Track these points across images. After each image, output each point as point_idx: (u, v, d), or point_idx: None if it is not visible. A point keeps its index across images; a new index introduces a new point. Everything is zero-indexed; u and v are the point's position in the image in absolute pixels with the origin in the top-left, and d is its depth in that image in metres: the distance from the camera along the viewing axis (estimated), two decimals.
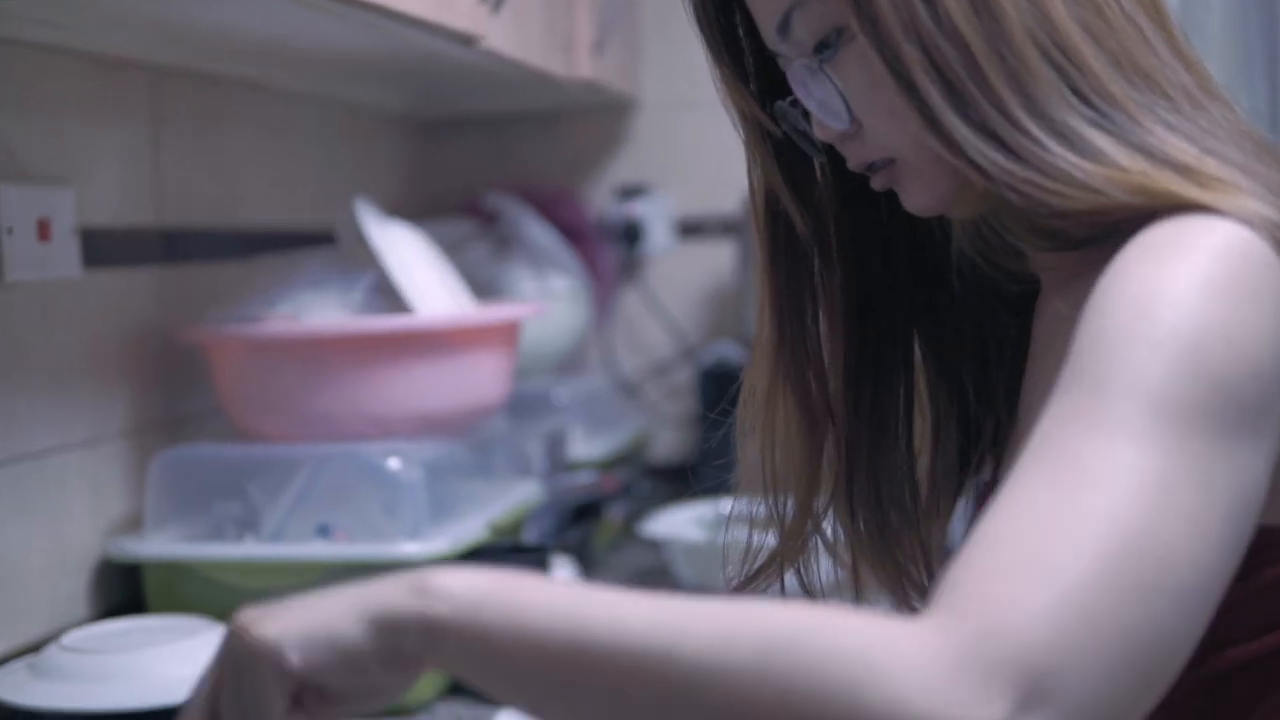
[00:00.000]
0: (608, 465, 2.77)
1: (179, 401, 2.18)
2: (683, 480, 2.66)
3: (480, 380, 2.13)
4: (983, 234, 1.16)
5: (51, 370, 1.89)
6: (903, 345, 1.31)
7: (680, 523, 2.48)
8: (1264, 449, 0.90)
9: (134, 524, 2.05)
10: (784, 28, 1.15)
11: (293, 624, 0.90)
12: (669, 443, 3.25)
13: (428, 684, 1.92)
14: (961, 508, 1.35)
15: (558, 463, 2.53)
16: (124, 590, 2.01)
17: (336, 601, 0.90)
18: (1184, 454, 0.86)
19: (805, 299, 1.28)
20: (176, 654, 1.71)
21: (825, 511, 1.30)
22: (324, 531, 1.93)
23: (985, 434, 1.30)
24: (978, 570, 0.83)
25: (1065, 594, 0.80)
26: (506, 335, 2.20)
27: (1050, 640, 0.79)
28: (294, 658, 0.88)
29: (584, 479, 2.59)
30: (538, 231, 2.95)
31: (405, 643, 0.88)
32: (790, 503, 1.30)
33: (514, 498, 2.15)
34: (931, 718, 0.77)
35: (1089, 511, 0.83)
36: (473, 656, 0.87)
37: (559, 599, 0.86)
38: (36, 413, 1.86)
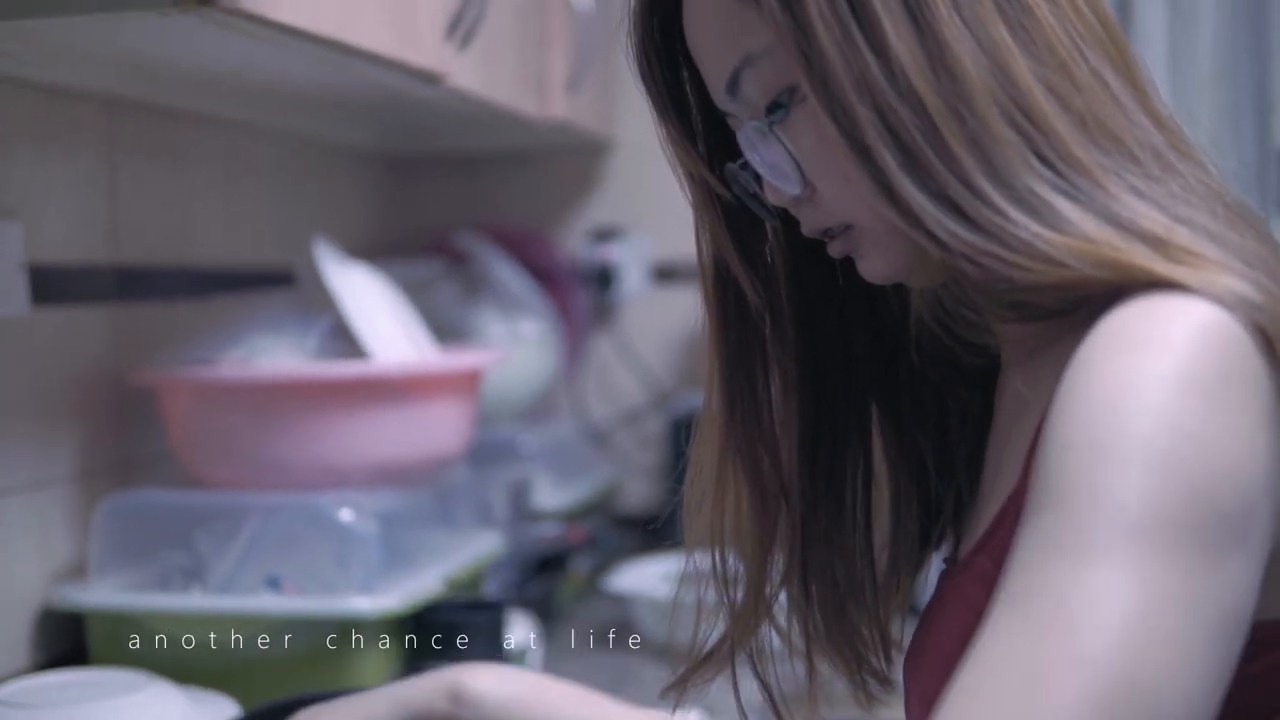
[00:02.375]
0: (575, 516, 2.72)
1: (129, 445, 2.11)
2: (652, 532, 2.61)
3: (439, 429, 2.08)
4: (943, 304, 1.11)
5: None
6: (859, 418, 1.24)
7: (647, 577, 2.43)
8: (1251, 555, 0.85)
9: (78, 571, 1.99)
10: (733, 87, 1.10)
11: None
12: (639, 493, 3.19)
13: None
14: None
15: (522, 512, 2.48)
16: (67, 638, 1.95)
17: (376, 701, 0.98)
18: (1167, 576, 0.81)
19: (756, 369, 1.22)
20: (116, 710, 1.66)
21: (778, 595, 1.25)
22: (273, 584, 1.88)
23: (946, 509, 1.24)
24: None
25: None
26: (468, 383, 2.15)
27: None
28: None
29: (549, 530, 2.54)
30: (508, 274, 2.90)
31: None
32: (741, 586, 1.24)
33: (474, 549, 2.10)
34: None
35: (1072, 659, 0.79)
36: None
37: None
38: None
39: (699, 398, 2.88)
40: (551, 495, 2.69)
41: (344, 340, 2.06)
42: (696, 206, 1.20)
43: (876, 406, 1.24)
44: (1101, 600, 0.80)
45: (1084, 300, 0.93)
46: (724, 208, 1.18)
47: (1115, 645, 0.79)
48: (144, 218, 2.17)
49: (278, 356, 2.04)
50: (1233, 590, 0.83)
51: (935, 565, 1.26)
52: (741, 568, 1.23)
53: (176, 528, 1.95)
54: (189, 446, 2.04)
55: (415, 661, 1.84)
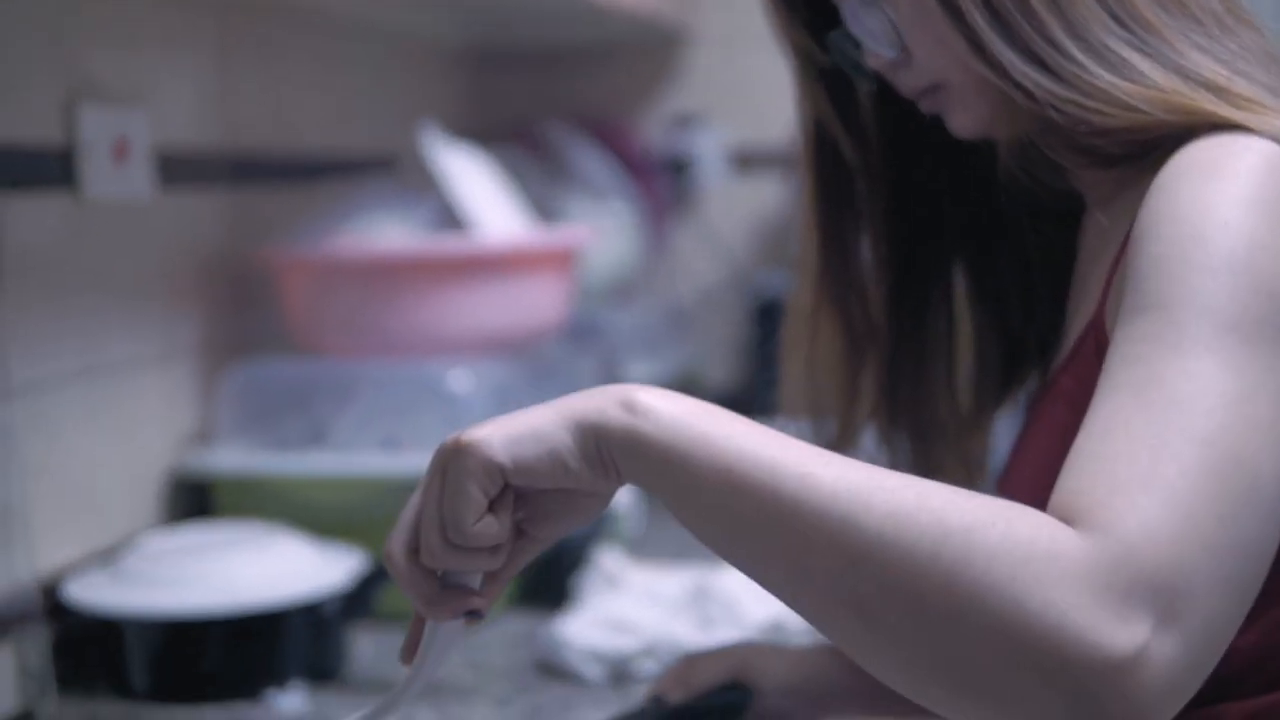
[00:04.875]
0: None
1: (244, 322, 2.24)
2: (734, 407, 2.70)
3: (540, 302, 2.18)
4: (1027, 154, 1.20)
5: (126, 286, 1.95)
6: (944, 265, 1.35)
7: None
8: None
9: (203, 438, 2.11)
10: None
11: (500, 427, 0.93)
12: (721, 371, 3.29)
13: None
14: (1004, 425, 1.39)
15: None
16: (193, 504, 2.07)
17: (542, 411, 0.94)
18: (1256, 367, 0.90)
19: (848, 222, 1.33)
20: (251, 558, 1.78)
21: (865, 430, 1.34)
22: (390, 444, 1.98)
23: (1029, 348, 1.34)
24: (1104, 489, 0.86)
25: (1187, 517, 0.84)
26: (566, 259, 2.25)
27: (1178, 563, 0.83)
28: (501, 453, 0.92)
29: None
30: (592, 162, 2.98)
31: (608, 450, 0.92)
32: (831, 425, 1.34)
33: None
34: (1081, 639, 0.81)
35: (1185, 432, 0.87)
36: (666, 478, 0.91)
37: (757, 442, 0.89)
38: (111, 326, 1.92)
39: (777, 279, 2.99)
40: (638, 372, 2.77)
41: (448, 219, 2.16)
42: (797, 73, 1.30)
43: (962, 253, 1.35)
44: (1207, 386, 0.88)
45: (1155, 144, 1.03)
46: (823, 74, 1.28)
47: (1223, 425, 0.87)
48: (253, 109, 2.29)
49: (389, 235, 2.14)
50: None
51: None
52: (832, 404, 1.33)
53: (297, 396, 2.07)
54: (306, 320, 2.15)
55: None
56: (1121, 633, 0.81)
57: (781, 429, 0.91)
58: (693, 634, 1.77)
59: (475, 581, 0.99)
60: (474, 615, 0.99)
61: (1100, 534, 0.84)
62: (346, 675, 1.80)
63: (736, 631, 1.78)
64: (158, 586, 1.72)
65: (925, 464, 1.33)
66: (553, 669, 1.79)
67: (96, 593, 1.73)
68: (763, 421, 0.93)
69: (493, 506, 0.94)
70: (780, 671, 1.36)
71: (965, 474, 1.34)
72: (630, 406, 0.91)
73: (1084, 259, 1.21)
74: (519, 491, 0.95)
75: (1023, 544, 0.83)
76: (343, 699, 1.73)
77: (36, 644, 1.69)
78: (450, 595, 0.98)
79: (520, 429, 0.93)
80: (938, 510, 0.85)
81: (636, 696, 1.38)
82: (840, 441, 1.33)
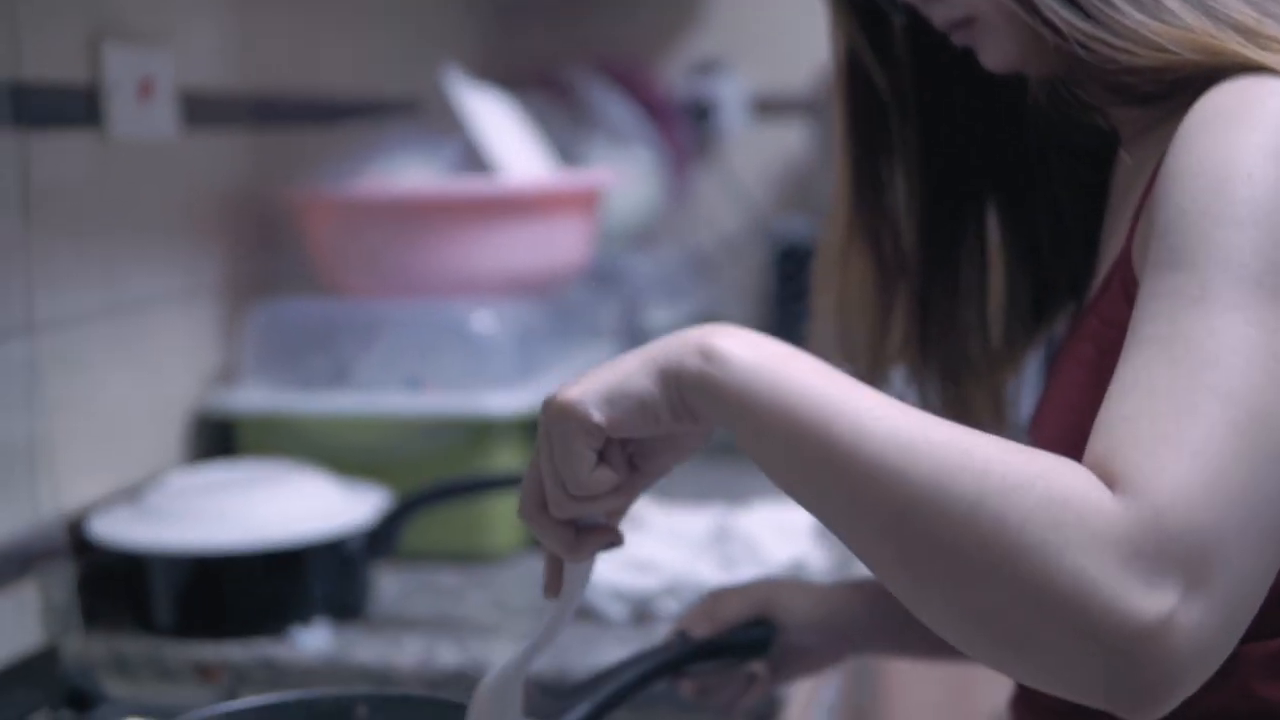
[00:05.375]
0: None
1: (268, 261, 2.24)
2: None
3: (563, 244, 2.18)
4: (1058, 91, 1.20)
5: (150, 225, 1.96)
6: (978, 202, 1.35)
7: None
8: None
9: (225, 376, 2.12)
10: None
11: (592, 384, 0.99)
12: (741, 317, 3.27)
13: (509, 536, 1.99)
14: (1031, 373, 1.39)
15: (633, 329, 2.58)
16: (217, 441, 2.08)
17: (629, 361, 0.99)
18: None
19: (881, 155, 1.33)
20: (276, 496, 1.79)
21: (895, 364, 1.35)
22: (413, 383, 1.99)
23: (1061, 286, 1.34)
24: (1133, 450, 0.87)
25: (1215, 478, 0.85)
26: (589, 201, 2.25)
27: (1207, 526, 0.84)
28: (596, 412, 0.98)
29: None
30: (614, 107, 2.98)
31: (689, 397, 0.96)
32: (861, 355, 1.35)
33: (592, 358, 2.19)
34: (1108, 605, 0.82)
35: (1212, 388, 0.87)
36: (739, 421, 0.95)
37: (818, 390, 0.93)
38: (135, 264, 1.93)
39: (798, 225, 2.98)
40: (659, 316, 2.79)
41: (472, 162, 2.16)
42: (832, 6, 1.29)
43: (994, 189, 1.34)
44: (1232, 344, 0.88)
45: (1183, 84, 1.03)
46: (855, 6, 1.28)
47: (1251, 382, 0.87)
48: (277, 50, 2.29)
49: (413, 176, 2.15)
50: None
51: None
52: (862, 342, 1.34)
53: (321, 335, 2.08)
54: (330, 260, 2.16)
55: None
56: (1149, 599, 0.82)
57: None
58: (715, 574, 1.78)
59: (603, 517, 1.07)
60: (613, 546, 1.08)
61: (1131, 498, 0.85)
62: (370, 613, 1.81)
63: (758, 571, 1.79)
64: (182, 522, 1.73)
65: (955, 402, 1.33)
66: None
67: (121, 529, 1.74)
68: None
69: (602, 456, 1.00)
70: (804, 608, 1.37)
71: (995, 412, 1.34)
72: (707, 353, 0.95)
73: (1115, 196, 1.21)
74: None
75: (1058, 506, 0.84)
76: (366, 636, 1.74)
77: (61, 580, 1.70)
78: (586, 537, 1.06)
79: (611, 384, 0.98)
80: (980, 468, 0.86)
81: (658, 635, 1.39)
82: (869, 380, 1.33)
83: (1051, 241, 1.33)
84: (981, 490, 0.85)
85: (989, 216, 1.34)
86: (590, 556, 1.08)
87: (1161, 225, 0.96)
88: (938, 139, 1.32)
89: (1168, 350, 0.90)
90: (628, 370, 0.98)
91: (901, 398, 1.25)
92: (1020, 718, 1.25)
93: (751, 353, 0.95)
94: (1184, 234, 0.94)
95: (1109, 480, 0.86)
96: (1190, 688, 0.85)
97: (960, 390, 1.34)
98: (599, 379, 0.99)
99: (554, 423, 0.99)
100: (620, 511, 1.08)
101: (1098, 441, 0.90)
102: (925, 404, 1.34)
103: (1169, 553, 0.83)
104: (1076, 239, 1.30)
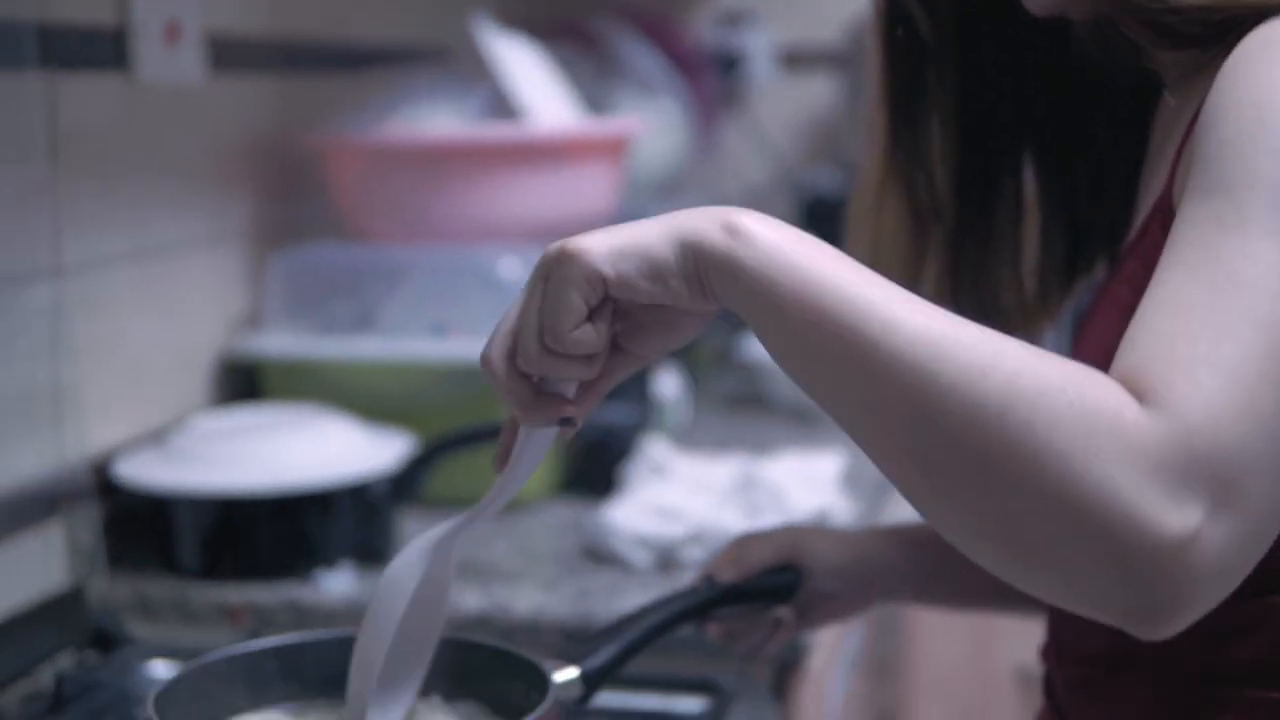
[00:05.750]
0: None
1: (294, 206, 2.24)
2: None
3: (590, 191, 2.18)
4: (1104, 33, 1.19)
5: (177, 169, 1.96)
6: (1014, 148, 1.33)
7: None
8: None
9: (250, 321, 2.12)
10: None
11: (606, 237, 0.94)
12: None
13: (533, 483, 1.99)
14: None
15: None
16: (242, 386, 2.09)
17: (648, 225, 0.94)
18: None
19: (918, 98, 1.31)
20: (301, 440, 1.79)
21: None
22: (439, 330, 1.99)
23: (1097, 235, 1.33)
24: (1166, 365, 0.86)
25: (1247, 400, 0.84)
26: (616, 149, 2.25)
27: (1237, 446, 0.83)
28: (604, 263, 0.93)
29: None
30: (642, 58, 2.97)
31: (705, 270, 0.92)
32: None
33: None
34: (1133, 517, 0.81)
35: (1247, 312, 0.86)
36: (758, 304, 0.91)
37: (847, 280, 0.90)
38: (161, 208, 1.93)
39: (824, 178, 2.97)
40: None
41: (499, 110, 2.15)
42: None
43: (1033, 134, 1.33)
44: (1268, 270, 0.88)
45: (1232, 25, 1.01)
46: None
47: None
48: None
49: (440, 122, 2.14)
50: None
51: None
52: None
53: (346, 281, 2.08)
54: (356, 206, 2.15)
55: None
56: (1174, 514, 0.81)
57: None
58: (740, 522, 1.78)
59: (570, 390, 1.01)
60: (567, 423, 1.01)
61: (1162, 412, 0.83)
62: (393, 557, 1.80)
63: (783, 520, 1.78)
64: (207, 465, 1.73)
65: None
66: (599, 555, 1.80)
67: (146, 471, 1.74)
68: None
69: (591, 316, 0.94)
70: (830, 553, 1.36)
71: None
72: (732, 229, 0.91)
73: (1156, 143, 1.20)
74: (618, 305, 0.96)
75: (1088, 414, 0.83)
76: None
77: (87, 522, 1.70)
78: (545, 401, 1.00)
79: (625, 241, 0.93)
80: (1010, 371, 0.85)
81: (683, 582, 1.39)
82: None
83: (1089, 190, 1.32)
84: (1012, 394, 0.84)
85: (1025, 166, 1.33)
86: (544, 425, 1.01)
87: (1203, 155, 0.95)
88: (976, 85, 1.30)
89: (1204, 272, 0.89)
90: (646, 233, 0.94)
91: None
92: (1050, 665, 1.24)
93: (777, 235, 0.91)
94: (1225, 162, 0.93)
95: (1139, 393, 0.85)
96: (1202, 609, 0.84)
97: None
98: (614, 234, 0.94)
99: (553, 265, 0.94)
100: (589, 390, 1.01)
101: (1127, 355, 0.89)
102: None
103: (1197, 471, 0.82)
104: (1115, 187, 1.29)
